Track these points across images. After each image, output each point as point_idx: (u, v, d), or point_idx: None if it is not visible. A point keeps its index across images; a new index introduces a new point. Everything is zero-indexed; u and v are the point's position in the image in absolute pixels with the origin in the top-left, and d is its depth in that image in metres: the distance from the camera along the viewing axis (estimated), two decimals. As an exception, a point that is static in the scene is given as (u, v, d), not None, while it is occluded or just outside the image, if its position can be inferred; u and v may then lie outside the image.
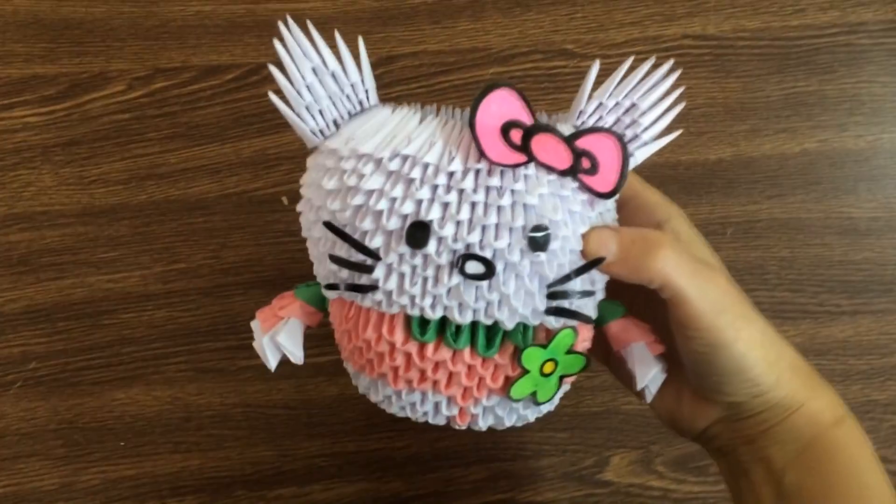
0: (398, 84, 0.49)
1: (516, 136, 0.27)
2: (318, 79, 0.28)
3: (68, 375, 0.46)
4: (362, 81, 0.29)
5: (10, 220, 0.47)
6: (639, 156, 0.29)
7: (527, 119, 0.27)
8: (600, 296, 0.30)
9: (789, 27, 0.50)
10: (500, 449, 0.47)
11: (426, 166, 0.27)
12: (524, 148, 0.27)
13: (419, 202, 0.27)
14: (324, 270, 0.30)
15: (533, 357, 0.29)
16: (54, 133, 0.48)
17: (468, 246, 0.26)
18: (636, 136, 0.29)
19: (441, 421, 0.31)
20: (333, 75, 0.29)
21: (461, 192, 0.27)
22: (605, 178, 0.28)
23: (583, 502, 0.46)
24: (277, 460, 0.46)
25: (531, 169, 0.27)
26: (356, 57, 0.29)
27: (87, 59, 0.49)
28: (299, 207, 0.30)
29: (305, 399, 0.47)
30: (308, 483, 0.46)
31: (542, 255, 0.27)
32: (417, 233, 0.26)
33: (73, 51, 0.49)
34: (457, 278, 0.27)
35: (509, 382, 0.29)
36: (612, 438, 0.47)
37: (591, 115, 0.29)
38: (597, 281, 0.29)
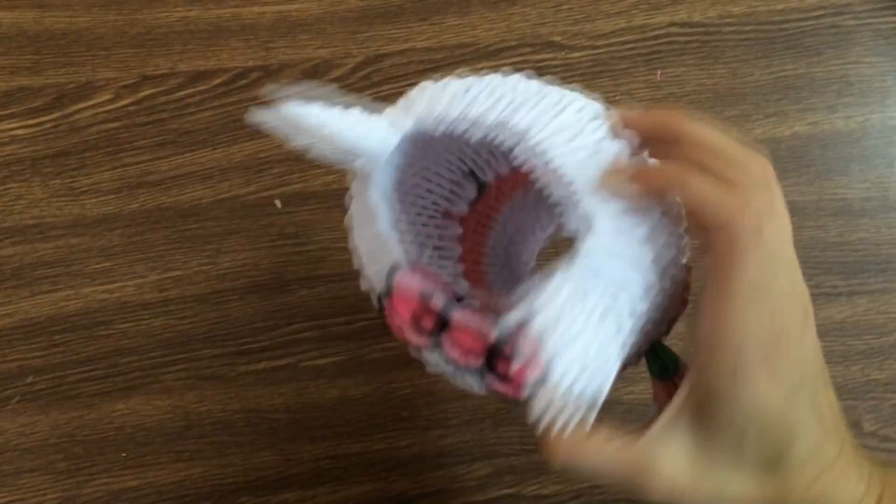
0: (387, 83, 0.49)
1: (428, 321, 0.25)
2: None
3: (66, 388, 0.46)
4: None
5: (2, 234, 0.47)
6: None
7: (438, 304, 0.25)
8: None
9: (775, 11, 0.50)
10: (503, 444, 0.46)
11: None
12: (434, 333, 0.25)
13: None
14: None
15: None
16: (43, 145, 0.48)
17: None
18: None
19: None
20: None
21: None
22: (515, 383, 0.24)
23: (588, 493, 0.46)
24: (281, 465, 0.46)
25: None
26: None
27: (72, 69, 0.48)
28: None
29: (307, 402, 0.46)
30: (313, 486, 0.46)
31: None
32: None
33: (58, 61, 0.48)
34: None
35: None
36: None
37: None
38: None
